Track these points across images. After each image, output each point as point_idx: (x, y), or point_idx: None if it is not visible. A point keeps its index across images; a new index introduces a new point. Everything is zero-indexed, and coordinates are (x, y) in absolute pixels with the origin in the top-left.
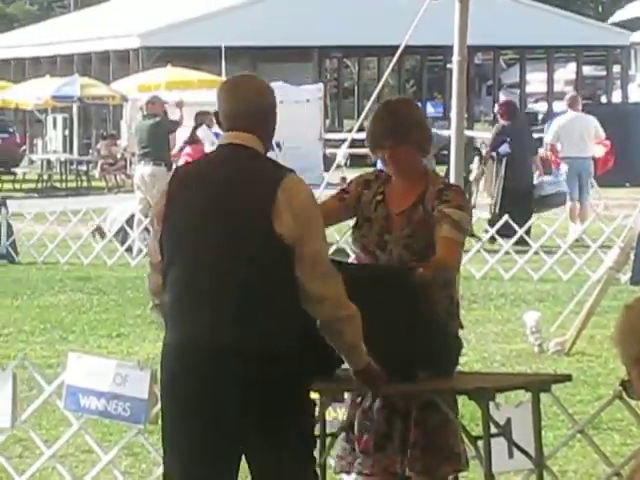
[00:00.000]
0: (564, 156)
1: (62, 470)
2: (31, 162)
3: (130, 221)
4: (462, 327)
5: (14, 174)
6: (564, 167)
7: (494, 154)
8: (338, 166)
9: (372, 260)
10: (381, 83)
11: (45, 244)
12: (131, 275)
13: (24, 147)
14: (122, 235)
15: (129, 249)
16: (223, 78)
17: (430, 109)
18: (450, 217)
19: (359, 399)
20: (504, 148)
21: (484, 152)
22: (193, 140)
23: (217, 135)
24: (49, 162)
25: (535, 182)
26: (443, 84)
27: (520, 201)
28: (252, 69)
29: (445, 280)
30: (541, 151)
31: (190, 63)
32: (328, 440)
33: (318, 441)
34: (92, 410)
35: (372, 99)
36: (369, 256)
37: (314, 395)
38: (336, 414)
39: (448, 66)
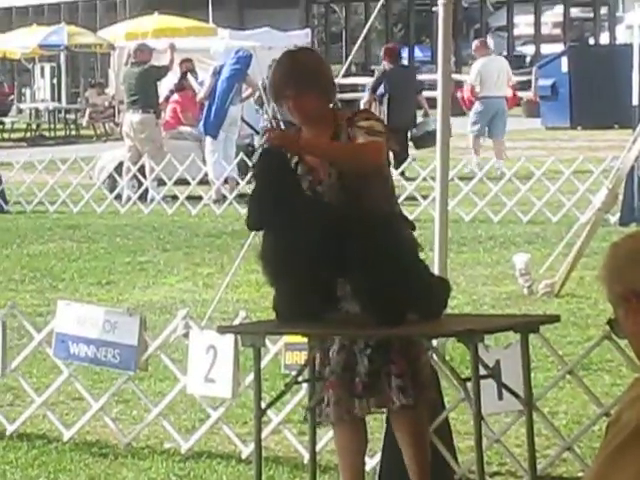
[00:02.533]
0: (482, 95)
1: (52, 417)
2: (19, 111)
3: (119, 169)
4: (414, 228)
5: (2, 123)
6: (477, 106)
7: (376, 96)
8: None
9: None
10: (367, 27)
11: (34, 193)
12: (120, 223)
13: (12, 96)
14: (111, 183)
15: (118, 197)
16: (211, 25)
17: (418, 53)
18: (361, 128)
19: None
20: (380, 89)
21: (367, 94)
22: (182, 87)
23: (201, 84)
24: (37, 111)
25: (419, 120)
26: (431, 28)
27: (399, 138)
28: (239, 15)
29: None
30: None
31: (177, 10)
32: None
33: (307, 385)
34: (82, 357)
35: (358, 43)
36: None
37: (303, 339)
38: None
39: (434, 9)
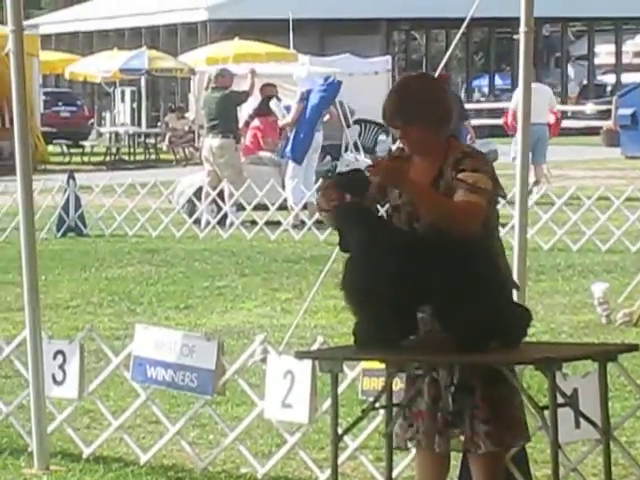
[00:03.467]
0: None
1: (129, 441)
2: (99, 135)
3: (198, 193)
4: (517, 288)
5: (82, 147)
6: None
7: None
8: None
9: None
10: (448, 55)
11: (113, 217)
12: (199, 247)
13: (92, 120)
14: (190, 207)
15: (197, 221)
16: (291, 50)
17: (498, 81)
18: (464, 182)
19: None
20: None
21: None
22: (262, 112)
23: (287, 108)
24: (117, 135)
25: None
26: (511, 56)
27: None
28: (320, 42)
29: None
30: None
31: (258, 35)
32: (394, 410)
33: (385, 411)
34: (159, 381)
35: (439, 71)
36: None
37: (380, 365)
38: (402, 384)
39: (515, 37)
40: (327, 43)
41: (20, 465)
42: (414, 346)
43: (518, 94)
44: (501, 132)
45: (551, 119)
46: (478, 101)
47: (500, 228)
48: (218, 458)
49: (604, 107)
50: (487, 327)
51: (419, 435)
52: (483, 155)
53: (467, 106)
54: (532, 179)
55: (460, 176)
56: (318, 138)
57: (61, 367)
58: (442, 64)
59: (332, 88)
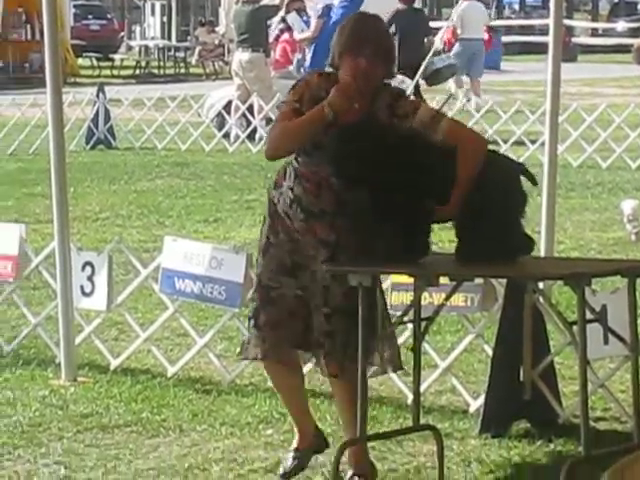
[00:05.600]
0: (462, 37)
1: (157, 353)
2: (129, 48)
3: (228, 107)
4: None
5: (112, 60)
6: (456, 48)
7: None
8: (436, 52)
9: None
10: None
11: (143, 130)
12: (228, 161)
13: (122, 33)
14: (219, 121)
15: (226, 135)
16: None
17: None
18: (427, 121)
19: None
20: (391, 29)
21: None
22: (290, 27)
23: (307, 23)
24: (147, 48)
25: (427, 60)
26: None
27: (411, 73)
28: None
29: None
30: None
31: None
32: (423, 324)
33: (413, 325)
34: (187, 293)
35: None
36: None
37: (409, 280)
38: (431, 299)
39: None
40: None
41: (48, 376)
42: (442, 261)
43: (457, 10)
44: (531, 49)
45: (485, 35)
46: (508, 18)
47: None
48: (245, 371)
49: (635, 25)
50: (501, 249)
51: (265, 345)
52: (406, 93)
53: (498, 23)
54: (469, 93)
55: (415, 122)
56: None
57: (89, 278)
58: None
59: (354, 4)
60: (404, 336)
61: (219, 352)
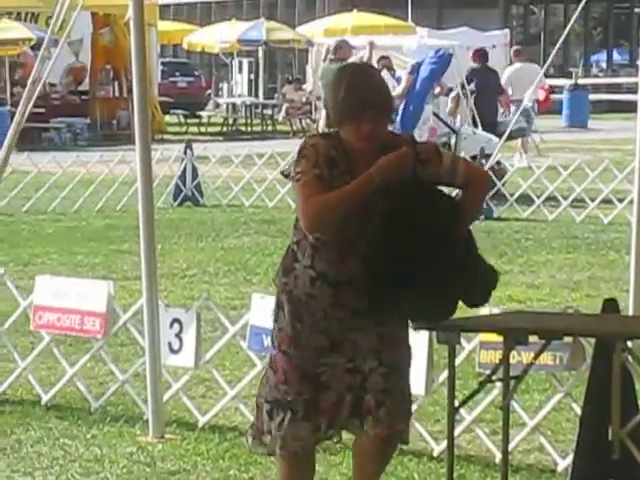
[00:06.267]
0: (513, 99)
1: (245, 410)
2: (217, 106)
3: None
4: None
5: (200, 117)
6: (512, 108)
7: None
8: (525, 110)
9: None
10: (567, 30)
11: (230, 187)
12: None
13: (210, 91)
14: None
15: None
16: (410, 23)
17: (616, 56)
18: (451, 164)
19: None
20: (471, 86)
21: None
22: None
23: (398, 80)
24: (234, 106)
25: (500, 118)
26: (630, 31)
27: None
28: (438, 14)
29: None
30: None
31: (376, 8)
32: (512, 383)
33: (502, 384)
34: None
35: (558, 46)
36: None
37: (498, 338)
38: (520, 357)
39: (636, 10)
40: (445, 16)
41: (135, 433)
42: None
43: (505, 74)
44: (619, 107)
45: (541, 95)
46: (596, 76)
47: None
48: None
49: None
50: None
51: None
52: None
53: (585, 81)
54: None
55: (443, 165)
56: (428, 110)
57: (177, 335)
58: (561, 39)
59: (443, 61)
60: (493, 394)
61: None
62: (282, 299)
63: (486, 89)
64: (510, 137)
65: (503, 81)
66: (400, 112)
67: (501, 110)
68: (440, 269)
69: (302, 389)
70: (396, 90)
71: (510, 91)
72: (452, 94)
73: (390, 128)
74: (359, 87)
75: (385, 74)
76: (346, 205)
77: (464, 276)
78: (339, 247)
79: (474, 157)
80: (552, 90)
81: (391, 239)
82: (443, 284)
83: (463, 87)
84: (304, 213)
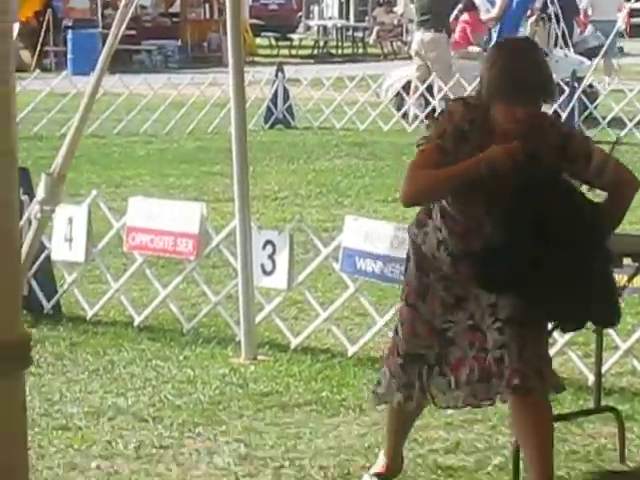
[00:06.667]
0: (593, 19)
1: (337, 332)
2: (307, 28)
3: (407, 87)
4: None
5: (290, 40)
6: (589, 29)
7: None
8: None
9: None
10: None
11: (321, 109)
12: (406, 141)
13: (300, 13)
14: (398, 101)
15: (405, 115)
16: None
17: None
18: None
19: None
20: (554, 8)
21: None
22: (470, 6)
23: (492, 3)
24: (325, 28)
25: (578, 38)
26: None
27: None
28: None
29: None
30: None
31: None
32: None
33: None
34: (368, 273)
35: None
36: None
37: None
38: None
39: None
40: None
41: (228, 354)
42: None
43: None
44: None
45: (618, 17)
46: None
47: None
48: None
49: None
50: None
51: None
52: (575, 130)
53: None
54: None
55: (591, 169)
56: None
57: (270, 257)
58: None
59: None
60: None
61: None
62: (410, 251)
63: (564, 10)
64: (592, 55)
65: (584, 2)
66: (495, 35)
67: (578, 30)
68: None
69: (432, 342)
70: (490, 13)
71: (590, 12)
72: (531, 19)
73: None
74: (516, 68)
75: None
76: (447, 187)
77: (597, 289)
78: (465, 221)
79: (567, 82)
80: (632, 13)
81: (517, 234)
82: (571, 294)
83: (544, 10)
84: (407, 179)
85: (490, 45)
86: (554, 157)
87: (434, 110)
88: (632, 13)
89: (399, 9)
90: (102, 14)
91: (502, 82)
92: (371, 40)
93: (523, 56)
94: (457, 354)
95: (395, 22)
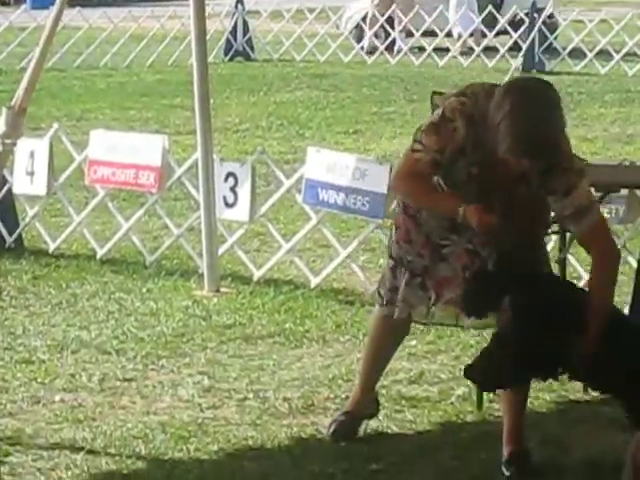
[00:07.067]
0: None
1: (300, 264)
2: None
3: (366, 19)
4: None
5: None
6: None
7: None
8: None
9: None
10: None
11: (281, 41)
12: (367, 73)
13: None
14: (358, 33)
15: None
16: None
17: None
18: (573, 211)
19: None
20: None
21: None
22: None
23: None
24: None
25: None
26: None
27: None
28: None
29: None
30: None
31: None
32: (568, 236)
33: (557, 237)
34: (331, 204)
35: None
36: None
37: None
38: None
39: None
40: None
41: (190, 287)
42: None
43: None
44: None
45: None
46: None
47: None
48: None
49: None
50: None
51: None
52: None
53: None
54: None
55: (557, 207)
56: None
57: (232, 189)
58: None
59: None
60: (548, 247)
61: (362, 263)
62: None
63: None
64: None
65: None
66: None
67: None
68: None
69: (424, 252)
70: None
71: None
72: None
73: None
74: (522, 120)
75: None
76: (432, 209)
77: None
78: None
79: (527, 14)
80: None
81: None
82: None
83: None
84: (397, 179)
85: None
86: (534, 185)
87: (394, 42)
88: None
89: None
90: None
91: (505, 132)
92: None
93: (529, 106)
94: (445, 273)
95: None
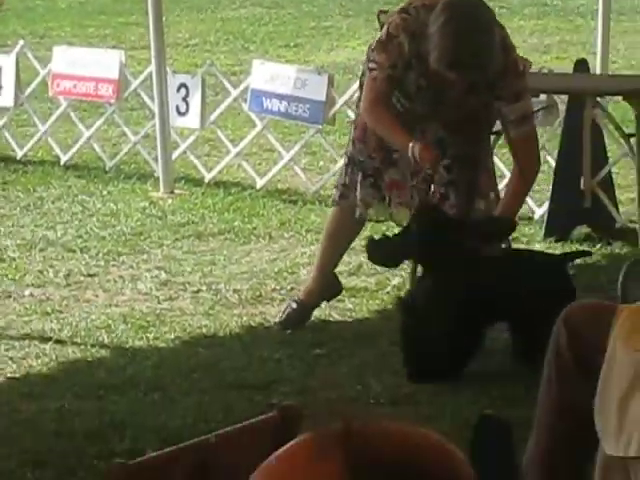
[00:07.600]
0: None
1: (247, 167)
2: None
3: None
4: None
5: None
6: None
7: None
8: None
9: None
10: None
11: None
12: None
13: None
14: None
15: None
16: None
17: None
18: (516, 119)
19: None
20: None
21: None
22: None
23: None
24: None
25: None
26: None
27: None
28: None
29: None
30: None
31: None
32: (492, 138)
33: None
34: (274, 111)
35: None
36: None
37: None
38: None
39: None
40: None
41: (147, 189)
42: None
43: None
44: None
45: None
46: None
47: None
48: (328, 182)
49: None
50: None
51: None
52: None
53: None
54: None
55: (506, 110)
56: None
57: (184, 99)
58: None
59: None
60: None
61: (304, 165)
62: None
63: None
64: None
65: None
66: None
67: None
68: None
69: (375, 155)
70: None
71: None
72: None
73: None
74: (448, 35)
75: None
76: (383, 135)
77: None
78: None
79: None
80: None
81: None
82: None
83: None
84: (364, 105)
85: None
86: (484, 95)
87: None
88: None
89: None
90: None
91: (436, 47)
92: None
93: (462, 27)
94: (394, 176)
95: None
